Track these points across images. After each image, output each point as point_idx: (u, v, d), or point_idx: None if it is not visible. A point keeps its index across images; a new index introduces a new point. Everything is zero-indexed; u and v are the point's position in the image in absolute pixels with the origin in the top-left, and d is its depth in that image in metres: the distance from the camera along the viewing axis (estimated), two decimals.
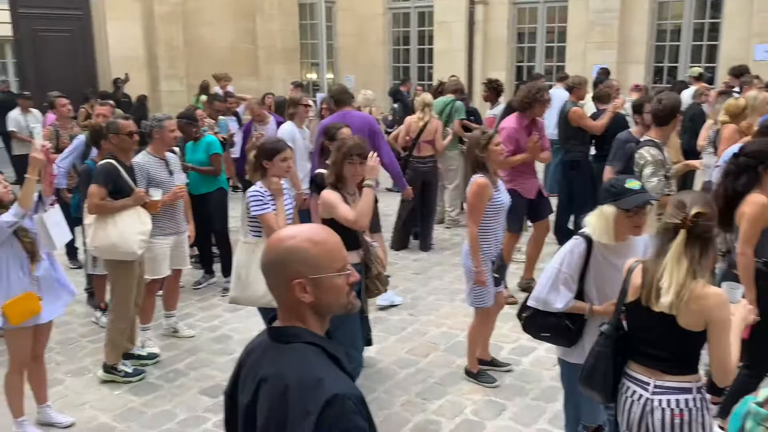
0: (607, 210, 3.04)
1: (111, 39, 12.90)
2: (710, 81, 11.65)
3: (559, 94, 10.04)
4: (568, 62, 13.54)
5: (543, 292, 3.22)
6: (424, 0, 15.41)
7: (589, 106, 8.42)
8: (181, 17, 13.60)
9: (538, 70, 13.97)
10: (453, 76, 10.84)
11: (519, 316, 3.42)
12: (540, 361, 4.95)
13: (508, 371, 4.77)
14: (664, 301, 2.46)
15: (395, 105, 11.28)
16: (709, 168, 5.46)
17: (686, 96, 9.51)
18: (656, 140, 4.76)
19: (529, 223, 6.67)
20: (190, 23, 13.75)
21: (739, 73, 9.81)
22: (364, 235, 4.32)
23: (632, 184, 3.06)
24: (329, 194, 3.92)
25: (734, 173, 3.64)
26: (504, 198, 4.44)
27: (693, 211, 2.48)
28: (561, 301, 3.18)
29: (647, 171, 4.60)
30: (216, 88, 11.90)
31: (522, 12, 14.44)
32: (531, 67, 14.38)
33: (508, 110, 7.16)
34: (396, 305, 6.00)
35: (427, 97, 7.94)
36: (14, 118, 10.32)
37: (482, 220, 4.34)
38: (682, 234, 2.48)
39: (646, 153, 4.66)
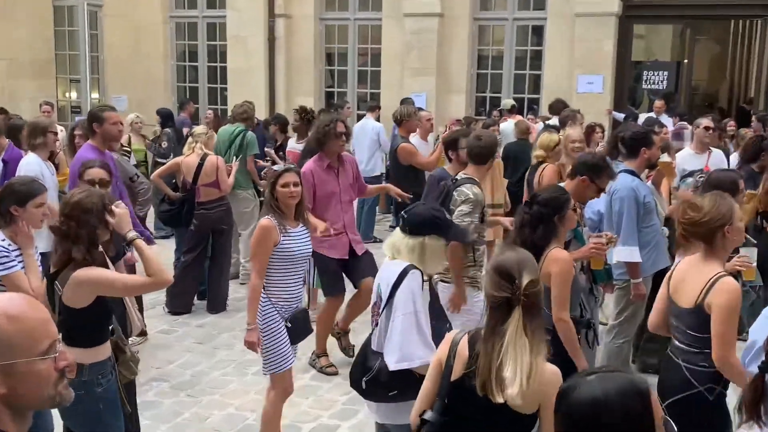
0: (436, 244, 3.46)
1: None
2: (535, 114, 12.76)
3: (370, 126, 10.46)
4: (383, 89, 14.18)
5: (410, 346, 3.33)
6: (215, 9, 15.41)
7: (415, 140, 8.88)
8: None
9: (350, 96, 14.49)
10: (246, 101, 10.93)
11: (356, 383, 3.51)
12: None
13: None
14: (512, 393, 2.51)
15: (167, 130, 10.91)
16: None
17: (507, 130, 10.29)
18: (475, 179, 5.12)
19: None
20: None
21: (557, 109, 10.78)
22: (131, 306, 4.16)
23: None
24: (88, 273, 3.43)
25: (530, 224, 3.91)
26: (296, 247, 4.50)
27: (525, 282, 2.56)
28: (431, 345, 3.32)
29: (464, 208, 4.98)
30: None
31: (330, 29, 14.93)
32: (342, 92, 14.89)
33: (307, 150, 7.29)
34: None
35: (198, 129, 7.91)
36: None
37: (269, 270, 4.43)
38: (518, 312, 2.55)
39: (468, 190, 5.03)
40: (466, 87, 13.80)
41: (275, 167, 4.71)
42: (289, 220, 4.52)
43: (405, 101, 11.16)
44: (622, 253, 5.18)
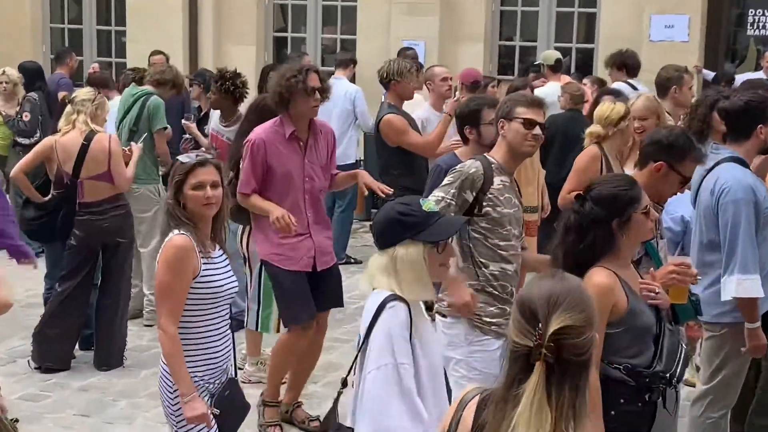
0: (410, 252, 3.53)
1: None
2: (587, 72, 12.79)
3: (342, 90, 10.45)
4: (360, 34, 14.21)
5: (387, 415, 3.42)
6: None
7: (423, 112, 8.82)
8: None
9: (311, 45, 14.48)
10: (158, 53, 10.87)
11: None
12: None
13: None
14: None
15: (32, 94, 10.77)
16: None
17: (549, 97, 10.26)
18: (494, 159, 5.11)
19: None
20: None
21: (629, 64, 10.70)
22: None
23: (429, 205, 3.73)
24: None
25: (578, 230, 3.97)
26: (222, 278, 4.51)
27: (552, 328, 2.53)
28: (420, 414, 3.43)
29: (444, 180, 5.05)
30: None
31: None
32: (299, 40, 14.89)
33: (257, 115, 7.25)
34: None
35: (81, 92, 7.81)
36: None
37: (186, 313, 4.43)
38: (539, 371, 2.53)
39: (461, 166, 5.10)
40: (485, 32, 13.84)
41: (181, 158, 4.55)
42: (206, 238, 4.51)
43: (404, 53, 11.10)
44: (742, 286, 5.12)
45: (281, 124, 6.16)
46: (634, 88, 9.60)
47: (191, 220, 4.43)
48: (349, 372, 3.70)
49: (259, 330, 6.99)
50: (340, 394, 3.78)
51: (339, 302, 6.52)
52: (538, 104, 5.14)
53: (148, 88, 8.61)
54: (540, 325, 2.53)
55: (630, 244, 4.06)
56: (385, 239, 3.62)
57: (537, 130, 4.99)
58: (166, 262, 4.41)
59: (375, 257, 3.70)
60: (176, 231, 4.41)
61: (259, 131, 6.19)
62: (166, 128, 8.57)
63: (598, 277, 3.84)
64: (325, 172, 6.32)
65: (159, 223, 7.91)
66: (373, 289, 3.70)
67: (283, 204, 6.02)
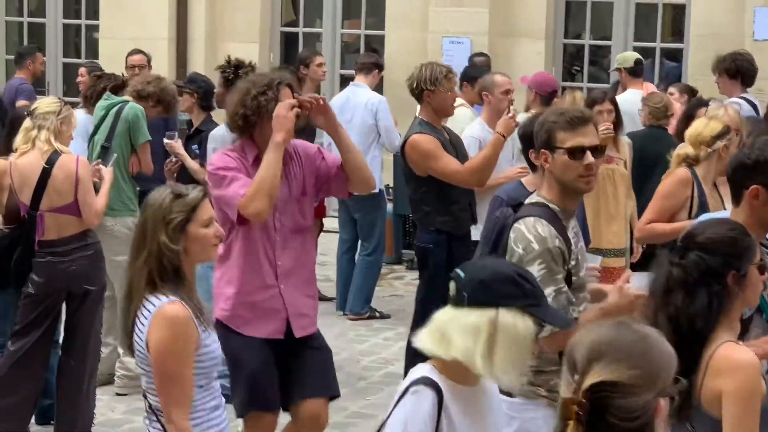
0: (520, 326, 3.41)
1: None
2: (677, 78, 12.82)
3: (362, 100, 10.52)
4: (389, 30, 14.30)
5: None
6: None
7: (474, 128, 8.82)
8: None
9: (327, 44, 14.62)
10: (137, 52, 10.93)
11: None
12: None
13: None
14: None
15: None
16: None
17: (630, 109, 10.21)
18: (551, 202, 4.99)
19: None
20: None
21: (744, 71, 10.56)
22: None
23: None
24: None
25: (684, 287, 3.83)
26: (215, 340, 4.52)
27: (589, 381, 2.56)
28: None
29: (535, 271, 4.63)
30: None
31: None
32: (313, 36, 15.04)
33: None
34: None
35: (43, 104, 7.75)
36: None
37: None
38: (571, 429, 2.56)
39: (527, 232, 4.83)
40: (547, 27, 13.93)
41: (178, 189, 4.45)
42: (195, 294, 4.50)
43: (476, 60, 11.26)
44: None
45: (242, 148, 6.12)
46: (753, 105, 9.56)
47: (182, 271, 4.34)
48: None
49: None
50: None
51: (328, 385, 6.28)
52: (581, 120, 4.86)
53: (127, 99, 8.72)
54: (579, 372, 2.56)
55: (742, 304, 3.95)
56: (487, 295, 3.44)
57: (589, 158, 4.72)
58: (168, 345, 4.28)
59: (455, 312, 3.52)
60: (164, 298, 4.26)
61: (217, 155, 6.27)
62: (150, 141, 8.68)
63: (741, 354, 3.71)
64: (303, 204, 6.19)
65: None
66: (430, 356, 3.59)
67: (244, 250, 5.99)
